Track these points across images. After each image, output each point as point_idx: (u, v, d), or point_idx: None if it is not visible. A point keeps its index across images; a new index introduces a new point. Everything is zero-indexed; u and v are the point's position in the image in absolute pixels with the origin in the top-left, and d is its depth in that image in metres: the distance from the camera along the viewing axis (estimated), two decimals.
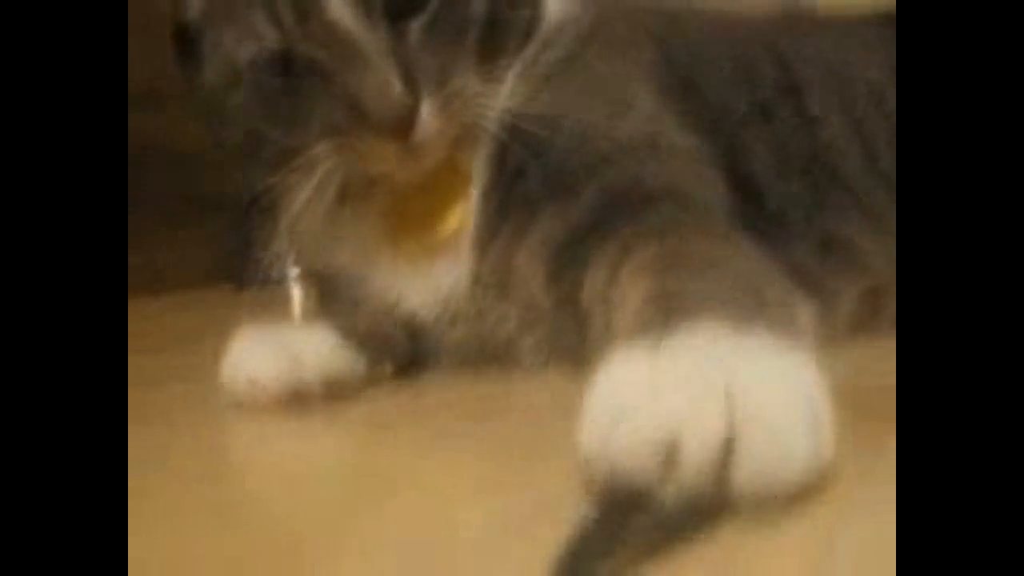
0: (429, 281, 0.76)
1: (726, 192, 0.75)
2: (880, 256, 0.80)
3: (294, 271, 1.88)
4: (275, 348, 0.72)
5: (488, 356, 0.77)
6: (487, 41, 0.72)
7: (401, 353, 0.77)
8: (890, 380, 0.64)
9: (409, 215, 0.76)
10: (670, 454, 0.38)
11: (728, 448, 0.38)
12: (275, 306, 1.72)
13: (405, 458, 0.60)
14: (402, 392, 0.76)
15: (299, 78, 0.70)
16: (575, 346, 0.70)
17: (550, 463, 0.53)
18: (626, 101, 0.75)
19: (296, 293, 1.80)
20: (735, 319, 0.44)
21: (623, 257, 0.62)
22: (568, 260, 0.69)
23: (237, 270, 1.95)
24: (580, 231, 0.70)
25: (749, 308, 0.47)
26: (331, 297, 0.82)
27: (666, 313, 0.47)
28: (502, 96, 0.73)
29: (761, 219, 0.75)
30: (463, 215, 0.75)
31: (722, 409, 0.39)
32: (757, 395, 0.40)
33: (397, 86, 0.67)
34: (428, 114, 0.69)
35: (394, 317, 0.78)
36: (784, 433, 0.39)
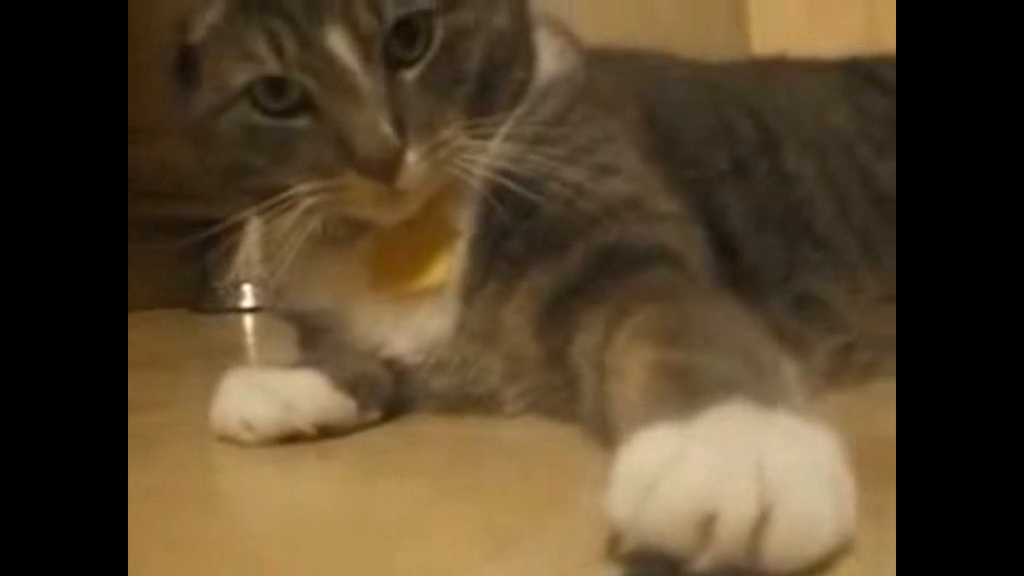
0: (413, 327, 0.77)
1: (708, 251, 0.77)
2: (852, 312, 0.82)
3: (249, 300, 1.88)
4: (268, 392, 0.73)
5: (470, 404, 0.78)
6: (478, 97, 0.74)
7: (388, 397, 0.78)
8: (875, 430, 0.67)
9: (392, 263, 0.77)
10: (706, 525, 0.40)
11: (762, 521, 0.40)
12: (229, 331, 1.71)
13: (401, 504, 0.61)
14: (390, 428, 0.77)
15: (290, 109, 0.72)
16: (560, 399, 0.72)
17: (556, 514, 0.55)
18: (613, 162, 0.77)
19: (250, 322, 1.79)
20: (757, 398, 0.47)
21: (619, 319, 0.63)
22: (558, 316, 0.71)
23: (194, 294, 1.95)
24: (570, 288, 0.71)
25: (765, 385, 0.49)
26: (313, 338, 0.83)
27: (684, 390, 0.49)
28: (489, 153, 0.74)
29: (738, 276, 0.78)
30: (446, 267, 0.76)
31: (756, 484, 0.41)
32: (787, 470, 0.42)
33: (386, 128, 0.69)
34: (413, 160, 0.70)
35: (378, 360, 0.78)
36: (813, 506, 0.41)
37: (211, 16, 0.73)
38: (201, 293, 1.91)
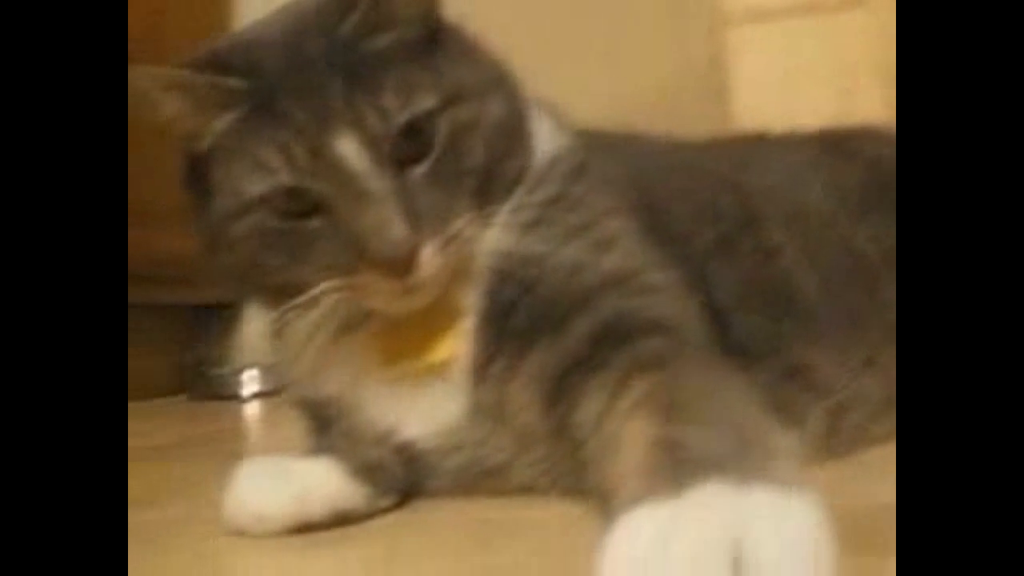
0: (426, 411, 0.78)
1: (703, 321, 0.78)
2: (841, 377, 0.83)
3: (249, 388, 1.88)
4: (281, 483, 0.74)
5: (481, 479, 0.78)
6: (483, 187, 0.76)
7: (399, 482, 0.79)
8: (872, 498, 0.67)
9: (400, 343, 0.78)
10: None
11: None
12: (230, 420, 1.71)
13: None
14: (403, 514, 0.78)
15: (306, 214, 0.74)
16: (569, 469, 0.72)
17: None
18: (610, 238, 0.79)
19: (250, 410, 1.79)
20: (739, 475, 0.49)
21: (619, 388, 0.65)
22: (563, 389, 0.72)
23: (191, 382, 1.95)
24: (574, 362, 0.73)
25: (752, 459, 0.51)
26: (324, 425, 0.83)
27: (673, 469, 0.51)
28: (494, 237, 0.76)
29: (727, 349, 0.78)
30: (452, 346, 0.77)
31: (734, 568, 0.43)
32: (763, 550, 0.44)
33: (400, 227, 0.71)
34: (428, 255, 0.72)
35: (389, 446, 0.79)
36: None
37: (219, 125, 0.75)
38: (199, 381, 1.92)
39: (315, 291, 0.74)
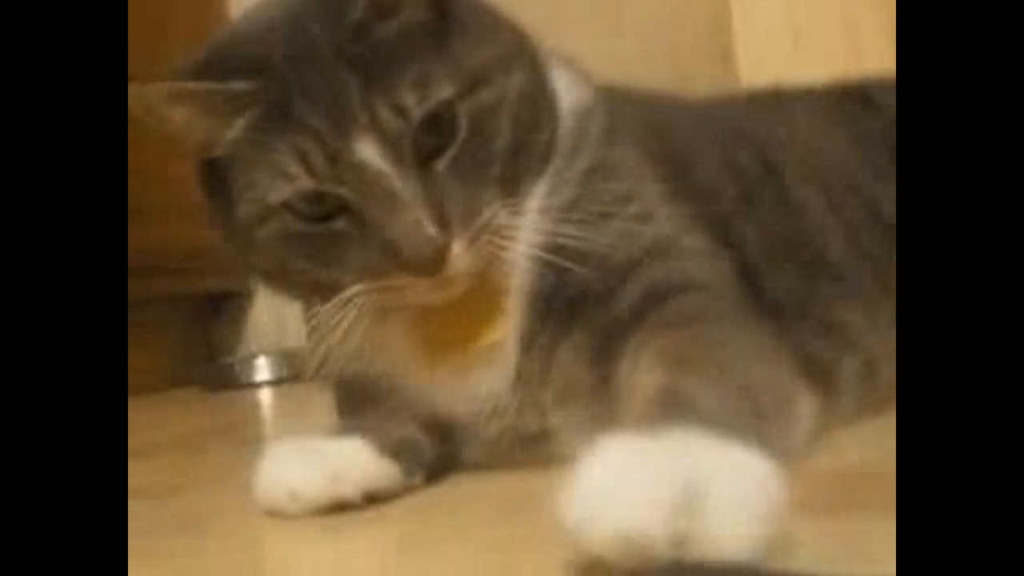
0: (471, 386, 0.77)
1: (735, 283, 0.78)
2: (872, 332, 0.83)
3: (262, 375, 1.88)
4: (313, 462, 0.73)
5: (522, 445, 0.78)
6: (511, 168, 0.75)
7: (430, 460, 0.78)
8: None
9: (444, 329, 0.77)
10: (630, 541, 0.45)
11: (680, 539, 0.45)
12: (246, 407, 1.71)
13: (461, 566, 0.61)
14: (434, 491, 0.77)
15: (329, 216, 0.72)
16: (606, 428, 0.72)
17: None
18: (649, 207, 0.78)
19: (265, 397, 1.79)
20: (721, 429, 0.50)
21: (645, 345, 0.67)
22: (607, 354, 0.73)
23: (204, 372, 1.95)
24: (617, 330, 0.73)
25: (739, 420, 0.53)
26: (355, 405, 0.83)
27: (662, 413, 0.54)
28: (531, 221, 0.75)
29: (760, 308, 0.78)
30: (500, 329, 0.76)
31: (679, 506, 0.45)
32: (712, 498, 0.46)
33: (429, 227, 0.69)
34: (459, 250, 0.71)
35: (425, 423, 0.78)
36: (729, 529, 0.45)
37: (231, 133, 0.73)
38: (210, 370, 1.92)
39: (347, 293, 0.73)
